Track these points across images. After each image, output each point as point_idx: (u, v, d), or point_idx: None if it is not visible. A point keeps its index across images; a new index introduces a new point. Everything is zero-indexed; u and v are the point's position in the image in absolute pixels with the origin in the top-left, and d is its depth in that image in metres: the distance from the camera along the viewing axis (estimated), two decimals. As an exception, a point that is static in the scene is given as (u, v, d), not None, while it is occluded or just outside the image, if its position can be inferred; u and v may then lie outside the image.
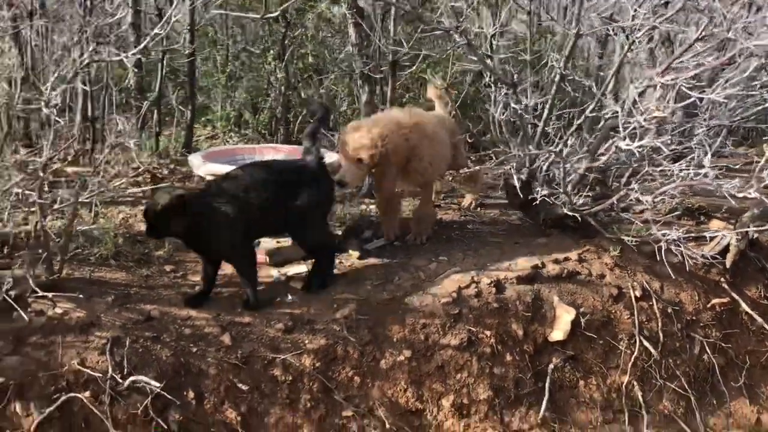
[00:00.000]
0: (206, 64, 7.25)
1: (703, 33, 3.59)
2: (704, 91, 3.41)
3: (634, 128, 3.26)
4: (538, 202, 4.12)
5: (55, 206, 3.30)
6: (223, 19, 7.02)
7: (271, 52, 6.42)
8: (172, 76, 7.07)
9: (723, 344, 4.22)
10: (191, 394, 3.28)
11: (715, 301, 4.29)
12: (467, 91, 6.42)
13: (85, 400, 3.10)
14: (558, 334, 3.88)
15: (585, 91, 5.03)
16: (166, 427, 3.17)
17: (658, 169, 3.79)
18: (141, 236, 4.28)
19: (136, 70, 4.10)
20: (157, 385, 3.09)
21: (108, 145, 3.49)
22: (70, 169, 5.06)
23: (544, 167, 4.40)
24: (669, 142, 3.32)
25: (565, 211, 4.02)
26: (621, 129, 3.30)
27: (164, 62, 6.07)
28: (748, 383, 4.24)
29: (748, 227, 4.26)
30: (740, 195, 3.40)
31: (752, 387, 4.25)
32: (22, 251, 3.86)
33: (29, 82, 4.79)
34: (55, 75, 2.76)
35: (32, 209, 3.53)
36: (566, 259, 4.19)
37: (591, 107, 4.19)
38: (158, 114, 6.19)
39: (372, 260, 4.26)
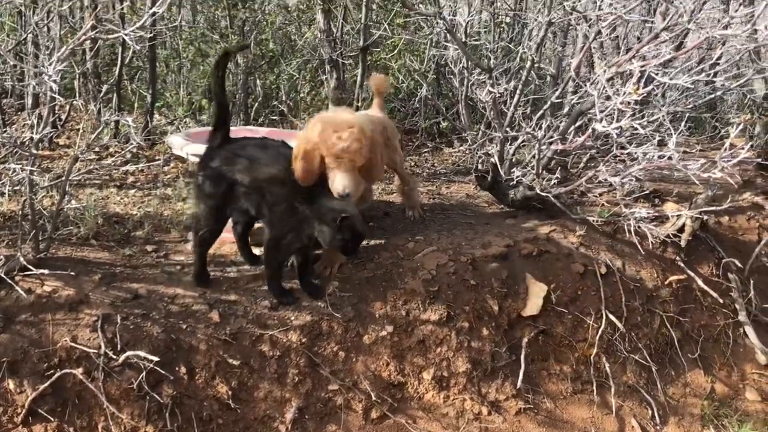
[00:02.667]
0: (164, 48, 7.20)
1: (668, 23, 3.79)
2: (672, 78, 3.59)
3: (611, 111, 3.42)
4: (510, 183, 4.26)
5: (45, 183, 3.27)
6: (178, 5, 6.98)
7: (231, 37, 6.42)
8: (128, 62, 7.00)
9: (680, 318, 4.46)
10: (183, 370, 3.33)
11: (672, 278, 4.51)
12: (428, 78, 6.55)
13: (79, 376, 3.12)
14: (531, 309, 4.04)
15: (547, 77, 5.23)
16: (160, 401, 3.21)
17: (626, 151, 3.97)
18: (118, 217, 4.28)
19: (137, 48, 4.06)
20: (154, 359, 3.13)
21: (101, 122, 3.42)
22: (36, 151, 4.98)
23: (511, 150, 4.57)
24: (645, 124, 3.49)
25: (537, 191, 4.18)
26: (597, 112, 3.46)
27: (125, 45, 6.01)
28: (702, 355, 4.48)
29: (702, 209, 4.51)
30: (705, 175, 3.60)
31: (706, 359, 4.48)
32: (1, 231, 3.84)
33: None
34: (63, 50, 2.74)
35: (15, 187, 3.50)
36: (536, 238, 4.35)
37: (558, 92, 4.37)
38: (118, 98, 6.15)
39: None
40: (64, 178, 3.23)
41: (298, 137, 3.60)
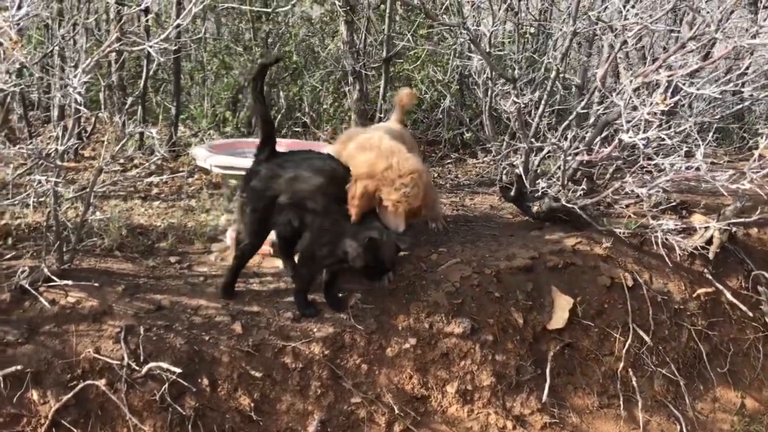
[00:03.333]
0: (188, 61, 7.25)
1: (696, 32, 3.74)
2: (699, 88, 3.54)
3: (638, 122, 3.38)
4: (535, 194, 4.23)
5: (70, 195, 3.29)
6: (202, 17, 7.03)
7: (255, 49, 6.45)
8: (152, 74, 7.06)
9: (708, 332, 4.39)
10: (205, 381, 3.32)
11: (700, 290, 4.45)
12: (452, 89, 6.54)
13: (102, 387, 3.12)
14: (556, 322, 3.99)
15: (572, 88, 5.19)
16: (182, 413, 3.21)
17: (652, 162, 3.92)
18: (141, 229, 4.29)
19: (162, 60, 4.09)
20: (177, 370, 3.12)
21: (125, 134, 3.44)
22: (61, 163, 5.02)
23: (536, 161, 4.54)
24: (672, 134, 3.44)
25: (563, 202, 4.14)
26: (623, 123, 3.42)
27: (149, 58, 6.06)
28: (732, 369, 4.40)
29: (731, 220, 4.44)
30: (733, 186, 3.54)
31: (736, 373, 4.41)
32: (26, 242, 3.87)
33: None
34: (88, 62, 2.76)
35: (41, 199, 3.52)
36: (561, 250, 4.31)
37: (583, 103, 4.33)
38: (143, 110, 6.19)
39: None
40: (88, 190, 3.25)
41: (357, 166, 3.57)
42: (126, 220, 4.35)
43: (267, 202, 3.56)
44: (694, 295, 4.44)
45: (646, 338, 4.11)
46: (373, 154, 3.58)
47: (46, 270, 3.31)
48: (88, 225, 3.99)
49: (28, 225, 4.06)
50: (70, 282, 3.35)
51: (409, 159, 3.58)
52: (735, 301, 4.48)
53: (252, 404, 3.36)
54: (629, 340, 4.08)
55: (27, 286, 3.28)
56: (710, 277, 4.54)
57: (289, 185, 3.53)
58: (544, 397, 3.79)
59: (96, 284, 3.46)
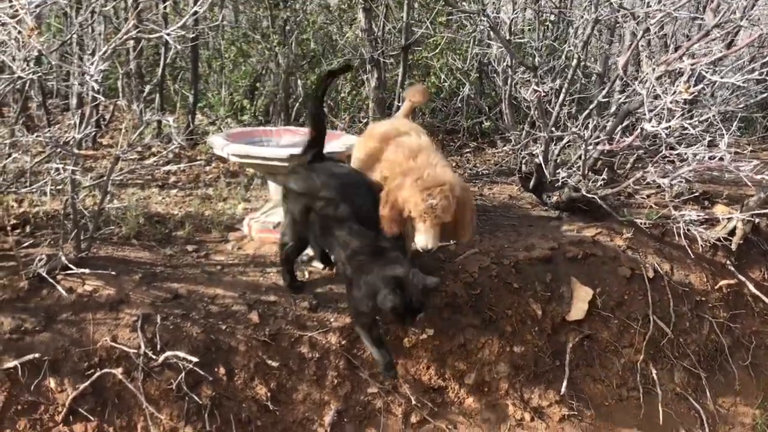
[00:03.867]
0: (206, 48, 7.24)
1: (720, 20, 3.67)
2: (723, 77, 3.48)
3: (660, 111, 3.32)
4: (555, 184, 4.18)
5: (87, 183, 3.28)
6: (219, 5, 7.00)
7: (274, 36, 6.42)
8: (170, 62, 7.06)
9: (730, 324, 4.33)
10: (222, 371, 3.31)
11: (722, 282, 4.40)
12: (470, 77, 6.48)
13: (119, 376, 3.12)
14: (576, 313, 3.95)
15: (593, 76, 5.13)
16: (199, 402, 3.20)
17: (675, 152, 3.86)
18: (159, 217, 4.29)
19: (179, 47, 4.07)
20: (194, 359, 3.11)
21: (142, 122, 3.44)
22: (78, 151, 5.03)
23: (556, 151, 4.48)
24: (695, 123, 3.38)
25: (583, 192, 4.09)
26: (646, 112, 3.37)
27: (167, 45, 6.05)
28: (754, 362, 4.35)
29: (755, 211, 4.37)
30: (757, 177, 3.48)
31: (758, 366, 4.36)
32: (44, 230, 3.88)
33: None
34: (104, 49, 2.75)
35: (58, 187, 3.52)
36: (581, 241, 4.26)
37: (605, 91, 4.27)
38: (161, 98, 6.19)
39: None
40: (106, 178, 3.23)
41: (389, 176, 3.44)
42: (143, 209, 4.34)
43: (301, 207, 3.46)
44: (716, 287, 4.38)
45: (667, 330, 4.06)
46: (404, 159, 3.41)
47: (63, 258, 3.31)
48: (106, 213, 4.00)
49: (46, 213, 4.07)
50: (87, 270, 3.35)
51: (444, 171, 3.34)
52: (758, 293, 4.43)
53: (268, 394, 3.35)
54: (649, 332, 4.04)
55: (44, 274, 3.28)
56: (733, 268, 4.49)
57: (322, 203, 3.39)
58: (563, 389, 3.76)
59: (113, 272, 3.46)
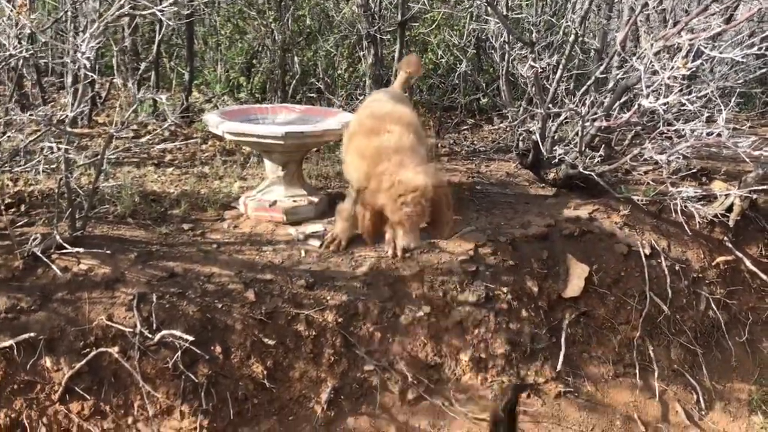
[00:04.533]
0: (202, 25, 7.18)
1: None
2: (722, 52, 3.45)
3: (658, 86, 3.29)
4: (552, 161, 4.16)
5: (81, 162, 3.26)
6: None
7: (270, 13, 6.36)
8: (166, 39, 7.00)
9: (727, 301, 4.33)
10: (218, 349, 3.32)
11: (719, 258, 4.39)
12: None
13: (115, 355, 3.12)
14: (572, 290, 3.95)
15: (591, 52, 5.09)
16: (195, 380, 3.21)
17: (672, 128, 3.84)
18: (154, 196, 4.27)
19: (170, 23, 4.01)
20: (190, 338, 3.11)
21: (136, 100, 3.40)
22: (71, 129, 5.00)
23: (554, 127, 4.46)
24: (693, 99, 3.35)
25: (580, 169, 4.07)
26: (643, 87, 3.34)
27: (162, 22, 5.99)
28: (750, 339, 4.36)
29: (752, 187, 4.35)
30: (755, 153, 3.46)
31: (754, 342, 4.37)
32: (38, 209, 3.86)
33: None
34: (95, 26, 2.71)
35: (52, 165, 3.50)
36: (578, 218, 4.25)
37: (602, 67, 4.24)
38: (156, 76, 6.15)
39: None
40: (99, 156, 3.21)
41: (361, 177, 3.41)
42: (139, 187, 4.33)
43: None
44: (713, 264, 4.38)
45: (664, 307, 4.06)
46: (374, 163, 3.34)
47: (58, 237, 3.30)
48: (101, 192, 3.98)
49: (41, 192, 4.06)
50: (82, 249, 3.34)
51: (414, 172, 3.27)
52: (755, 269, 4.42)
53: (265, 372, 3.36)
54: (646, 309, 4.04)
55: (39, 253, 3.27)
56: (730, 245, 4.48)
57: None
58: (559, 366, 3.77)
59: (108, 251, 3.45)
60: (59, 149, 3.11)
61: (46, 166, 3.40)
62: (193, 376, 3.20)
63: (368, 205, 3.32)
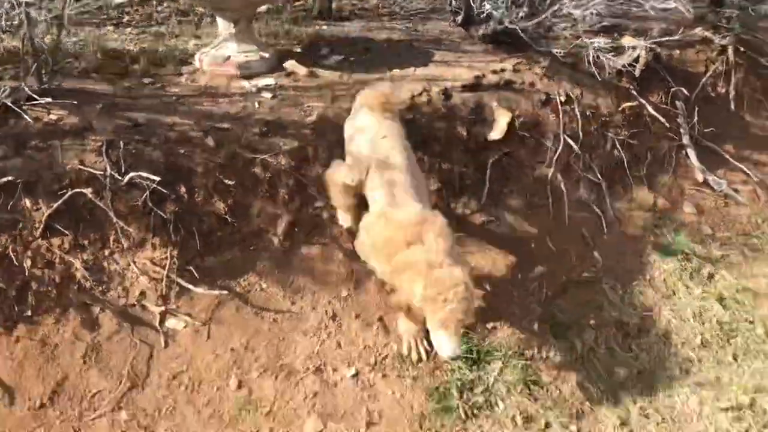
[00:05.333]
0: None
1: None
2: None
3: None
4: (481, 17, 4.10)
5: (42, 17, 3.10)
6: None
7: None
8: None
9: (630, 141, 4.45)
10: (183, 189, 3.33)
11: (625, 104, 4.47)
12: None
13: (89, 195, 3.11)
14: (496, 134, 4.00)
15: None
16: (164, 216, 3.23)
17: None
18: (115, 53, 4.12)
19: None
20: (156, 179, 3.11)
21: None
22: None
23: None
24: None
25: (506, 24, 4.03)
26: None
27: None
28: (648, 174, 4.51)
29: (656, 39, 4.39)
30: (660, 6, 3.46)
31: (651, 177, 4.51)
32: (6, 65, 3.70)
33: None
34: None
35: (14, 21, 3.32)
36: (503, 70, 4.25)
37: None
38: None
39: (328, 74, 4.18)
40: (61, 11, 3.05)
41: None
42: (100, 45, 4.15)
43: None
44: (619, 109, 4.46)
45: (575, 147, 4.15)
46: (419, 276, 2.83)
47: (26, 89, 3.19)
48: (64, 48, 3.81)
49: (6, 49, 3.86)
50: (50, 99, 3.25)
51: (453, 270, 2.83)
52: (655, 114, 4.53)
53: (227, 209, 3.40)
54: (560, 149, 4.13)
55: (10, 103, 3.17)
56: (635, 92, 4.55)
57: None
58: (483, 199, 3.88)
59: (75, 103, 3.37)
60: (19, 4, 2.94)
61: (8, 23, 3.22)
62: (162, 213, 3.22)
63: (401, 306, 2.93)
